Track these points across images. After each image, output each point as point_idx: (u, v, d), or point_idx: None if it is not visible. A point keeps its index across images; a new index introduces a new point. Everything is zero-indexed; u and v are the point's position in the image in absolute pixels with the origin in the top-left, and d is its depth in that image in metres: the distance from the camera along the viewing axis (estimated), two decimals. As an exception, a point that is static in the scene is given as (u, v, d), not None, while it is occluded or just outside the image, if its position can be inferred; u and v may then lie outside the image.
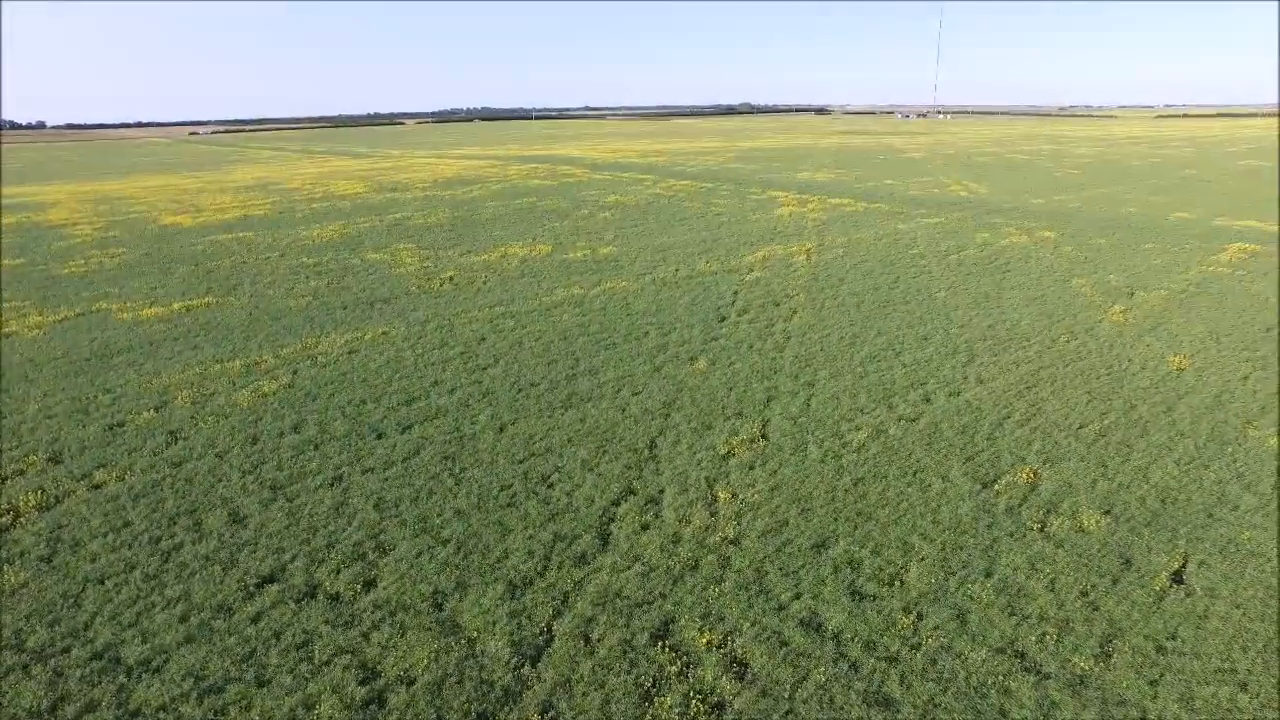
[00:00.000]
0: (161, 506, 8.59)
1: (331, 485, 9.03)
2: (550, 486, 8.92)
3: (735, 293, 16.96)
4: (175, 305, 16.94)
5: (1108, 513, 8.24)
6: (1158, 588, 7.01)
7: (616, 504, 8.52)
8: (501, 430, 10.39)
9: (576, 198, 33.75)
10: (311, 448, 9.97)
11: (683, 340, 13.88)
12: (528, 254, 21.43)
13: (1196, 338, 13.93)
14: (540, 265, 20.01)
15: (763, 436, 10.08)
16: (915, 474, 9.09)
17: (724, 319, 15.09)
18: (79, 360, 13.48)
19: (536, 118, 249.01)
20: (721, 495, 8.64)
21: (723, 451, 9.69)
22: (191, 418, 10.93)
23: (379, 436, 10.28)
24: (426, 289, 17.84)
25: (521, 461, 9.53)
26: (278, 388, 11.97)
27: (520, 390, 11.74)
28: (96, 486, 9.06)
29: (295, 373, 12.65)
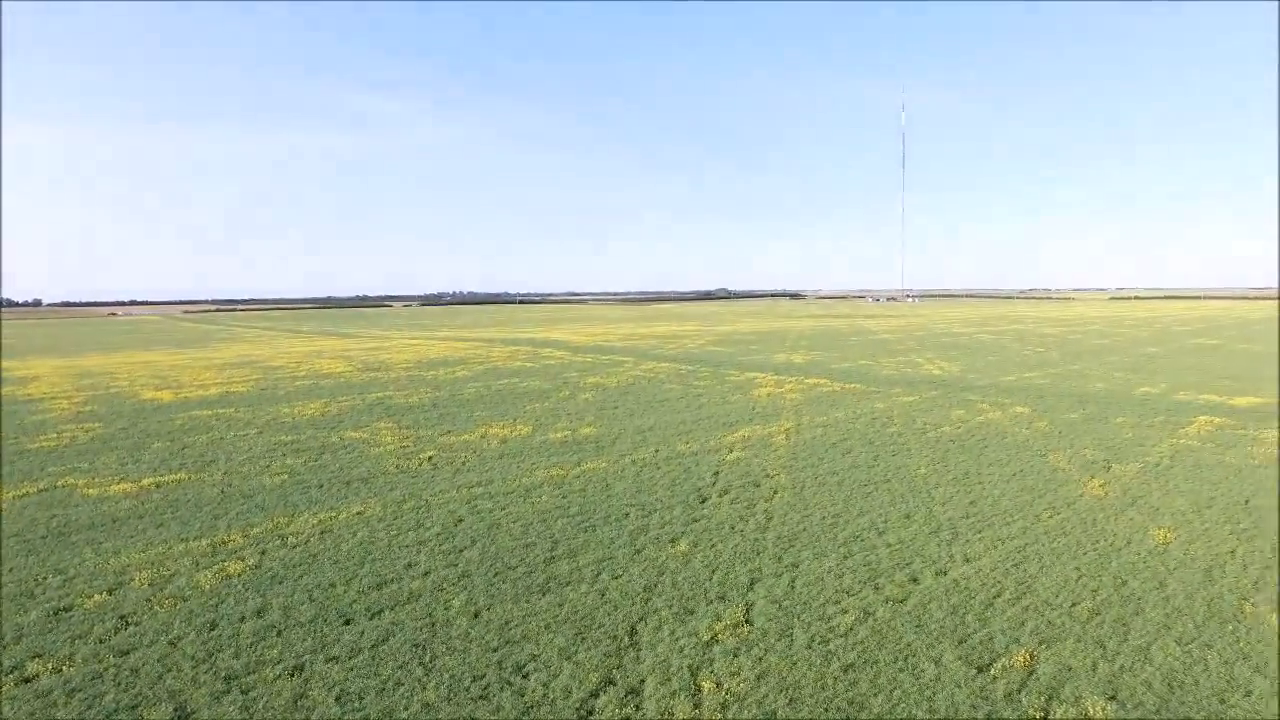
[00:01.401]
0: (99, 702, 7.90)
1: (292, 675, 8.43)
2: (525, 676, 8.38)
3: (716, 473, 16.87)
4: (145, 481, 16.55)
5: (1113, 698, 7.82)
6: (1176, 784, 6.56)
7: (595, 695, 7.99)
8: (476, 616, 9.90)
9: (558, 379, 34.27)
10: (274, 634, 9.40)
11: (663, 522, 13.61)
12: (508, 434, 21.42)
13: (1178, 511, 13.88)
14: (520, 446, 19.93)
15: (747, 621, 9.66)
16: (907, 659, 8.66)
17: (705, 500, 14.90)
18: (34, 539, 12.92)
19: (520, 302, 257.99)
20: (706, 685, 8.14)
21: (706, 638, 9.24)
22: (147, 600, 10.35)
23: (346, 622, 9.74)
24: (405, 468, 17.61)
25: (496, 649, 9.01)
26: (243, 569, 11.46)
27: (497, 574, 11.31)
28: (27, 680, 8.36)
29: (263, 553, 12.17)
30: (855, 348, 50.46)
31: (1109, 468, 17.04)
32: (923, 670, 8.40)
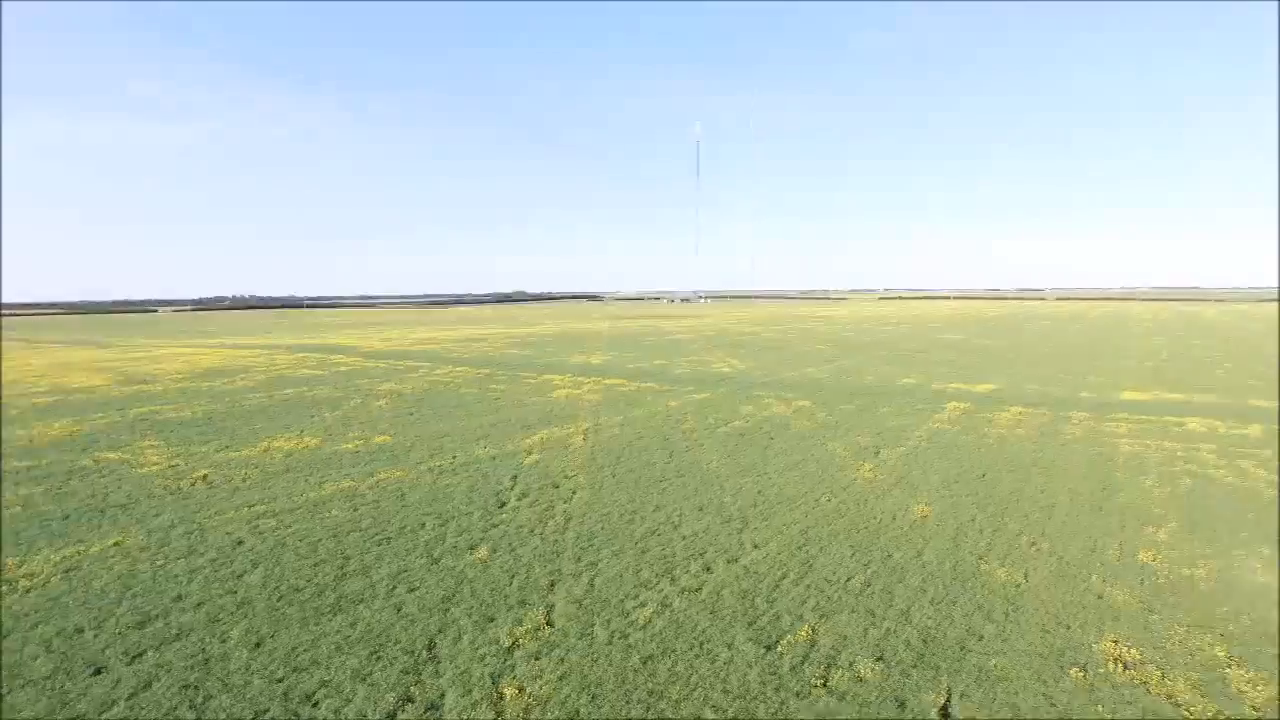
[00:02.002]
0: None
1: (27, 746, 7.38)
2: (315, 705, 7.91)
3: (514, 477, 16.80)
4: None
5: (880, 659, 8.67)
6: (930, 727, 7.41)
7: (393, 716, 7.71)
8: (258, 646, 9.20)
9: (349, 387, 32.58)
10: (-9, 705, 8.08)
11: (462, 529, 13.36)
12: (295, 447, 20.07)
13: (933, 487, 15.62)
14: (309, 458, 18.75)
15: (548, 623, 9.73)
16: (702, 645, 9.11)
17: (504, 504, 14.79)
18: None
19: (309, 306, 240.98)
20: (508, 691, 8.11)
21: (507, 644, 9.19)
22: None
23: (98, 671, 8.66)
24: (175, 490, 15.98)
25: (281, 680, 8.42)
26: (-51, 635, 9.74)
27: (281, 598, 10.57)
28: None
29: (-17, 607, 10.51)
30: (651, 348, 52.13)
31: (878, 453, 18.81)
32: (717, 654, 8.86)
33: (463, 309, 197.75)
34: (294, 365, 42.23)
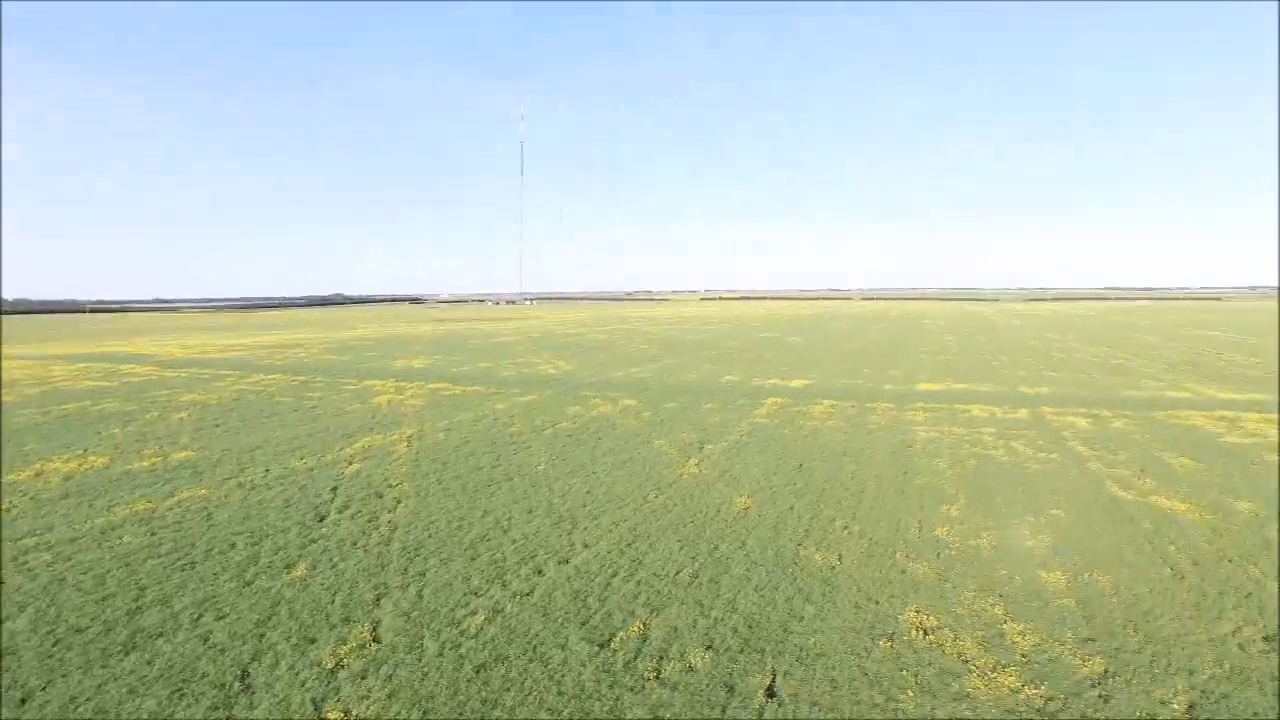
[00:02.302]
0: None
1: None
2: (102, 759, 7.09)
3: (334, 488, 15.90)
4: None
5: (710, 647, 8.96)
6: (756, 705, 7.73)
7: (198, 759, 7.04)
8: (24, 702, 8.04)
9: (144, 399, 29.50)
10: None
11: (277, 547, 12.47)
12: (76, 468, 17.88)
13: (754, 479, 16.37)
14: (94, 480, 16.77)
15: (374, 640, 9.27)
16: (536, 649, 9.02)
17: (323, 518, 13.96)
18: None
19: (91, 310, 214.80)
20: (332, 716, 7.64)
21: (330, 665, 8.67)
22: None
23: None
24: (-89, 534, 13.74)
25: (59, 737, 7.47)
26: None
27: (58, 642, 9.35)
28: None
29: None
30: (476, 351, 51.21)
31: (702, 448, 19.47)
32: (551, 657, 8.81)
33: (275, 313, 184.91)
34: (74, 377, 37.59)
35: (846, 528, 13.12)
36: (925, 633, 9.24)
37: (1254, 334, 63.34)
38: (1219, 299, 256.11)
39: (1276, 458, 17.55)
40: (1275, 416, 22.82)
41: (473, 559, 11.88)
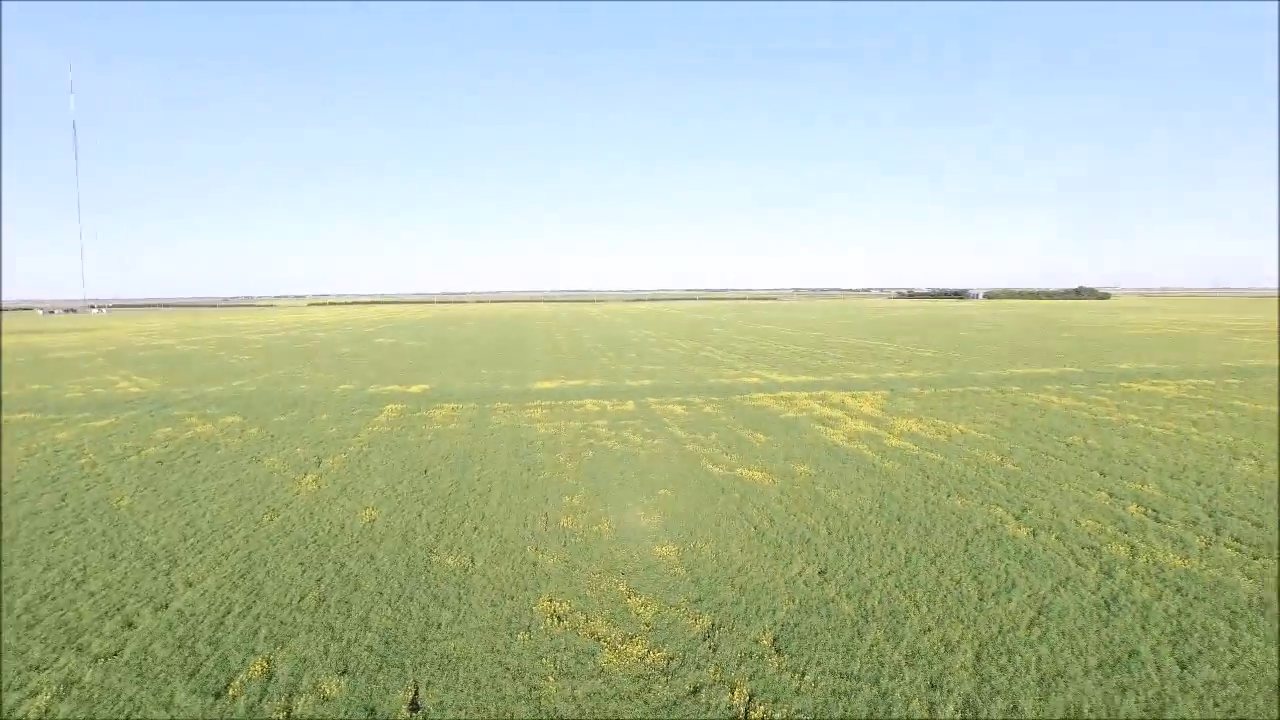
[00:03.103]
0: None
1: None
2: None
3: None
4: None
5: (345, 672, 8.46)
6: (400, 723, 7.53)
7: None
8: None
9: None
10: None
11: None
12: None
13: (378, 489, 15.78)
14: None
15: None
16: (130, 717, 7.70)
17: None
18: None
19: None
20: None
21: None
22: None
23: None
24: None
25: None
26: None
27: None
28: None
29: None
30: (26, 370, 41.94)
31: (320, 462, 18.23)
32: None
33: None
34: None
35: (476, 529, 13.29)
36: (559, 619, 9.76)
37: (797, 327, 77.28)
38: (775, 299, 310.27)
39: (822, 427, 21.71)
40: (818, 394, 28.19)
41: (30, 626, 9.69)
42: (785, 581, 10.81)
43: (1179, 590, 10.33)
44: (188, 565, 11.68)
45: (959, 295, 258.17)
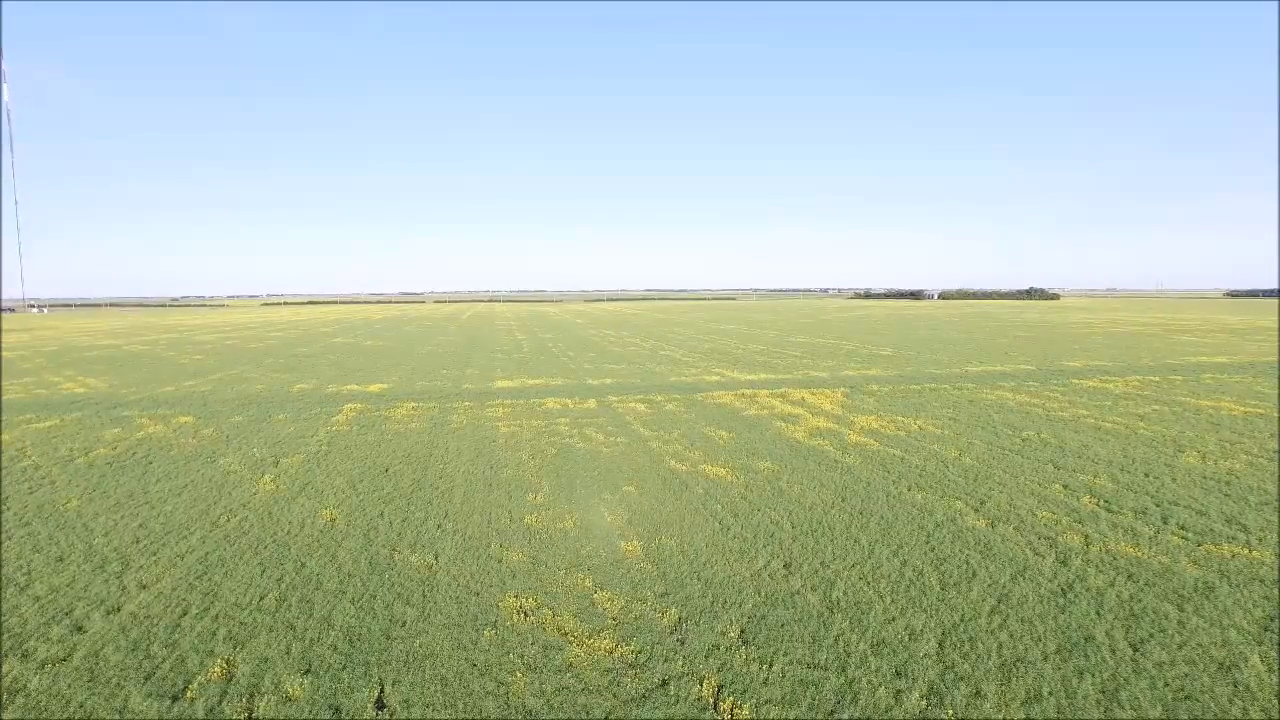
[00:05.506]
0: None
1: None
2: None
3: None
4: None
5: (308, 672, 8.31)
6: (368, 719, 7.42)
7: None
8: None
9: None
10: None
11: None
12: None
13: (339, 489, 15.51)
14: None
15: None
16: (83, 721, 7.47)
17: None
18: None
19: None
20: None
21: None
22: None
23: None
24: None
25: None
26: None
27: None
28: None
29: None
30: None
31: (278, 462, 17.88)
32: (106, 724, 7.39)
33: None
34: None
35: (440, 526, 13.15)
36: (526, 615, 9.70)
37: (756, 326, 77.87)
38: (734, 299, 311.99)
39: (783, 424, 21.90)
40: (779, 391, 28.44)
41: (-21, 630, 9.37)
42: (751, 575, 10.88)
43: (1130, 577, 10.63)
44: (141, 567, 11.36)
45: (915, 295, 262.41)
